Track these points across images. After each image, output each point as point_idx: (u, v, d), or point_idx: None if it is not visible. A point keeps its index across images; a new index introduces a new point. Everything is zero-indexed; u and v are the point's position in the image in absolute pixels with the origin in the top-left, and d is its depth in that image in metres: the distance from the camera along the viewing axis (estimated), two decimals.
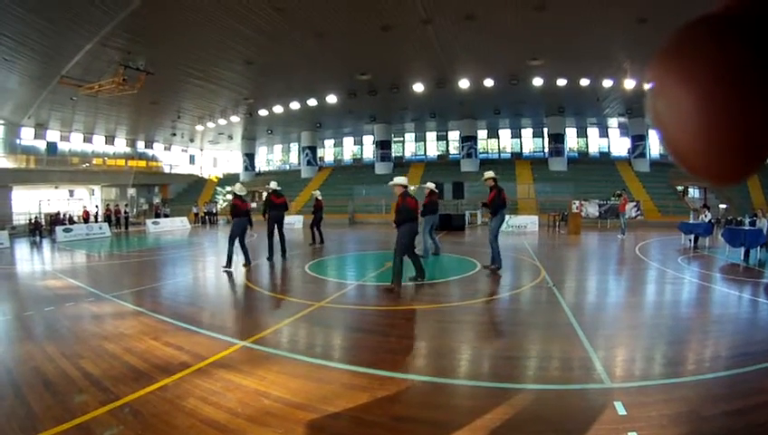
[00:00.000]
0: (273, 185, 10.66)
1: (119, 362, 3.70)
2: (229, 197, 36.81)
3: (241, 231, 8.85)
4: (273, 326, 4.78)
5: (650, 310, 5.75)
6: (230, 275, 8.28)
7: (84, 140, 32.69)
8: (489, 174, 8.21)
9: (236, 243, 8.79)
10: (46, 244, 16.74)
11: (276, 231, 10.27)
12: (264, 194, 32.53)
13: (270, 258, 9.97)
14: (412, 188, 6.89)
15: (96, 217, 24.58)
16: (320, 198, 14.18)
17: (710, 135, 0.36)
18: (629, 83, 21.95)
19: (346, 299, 6.16)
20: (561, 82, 22.33)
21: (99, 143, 33.77)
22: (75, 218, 24.00)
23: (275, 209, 10.31)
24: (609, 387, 3.16)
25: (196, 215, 29.47)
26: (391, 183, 6.99)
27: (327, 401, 2.97)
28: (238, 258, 8.83)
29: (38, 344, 4.18)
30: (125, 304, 5.83)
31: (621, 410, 2.77)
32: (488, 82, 22.80)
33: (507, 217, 19.68)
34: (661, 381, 3.26)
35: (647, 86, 0.40)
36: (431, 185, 10.34)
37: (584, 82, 22.22)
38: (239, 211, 8.90)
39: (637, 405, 2.85)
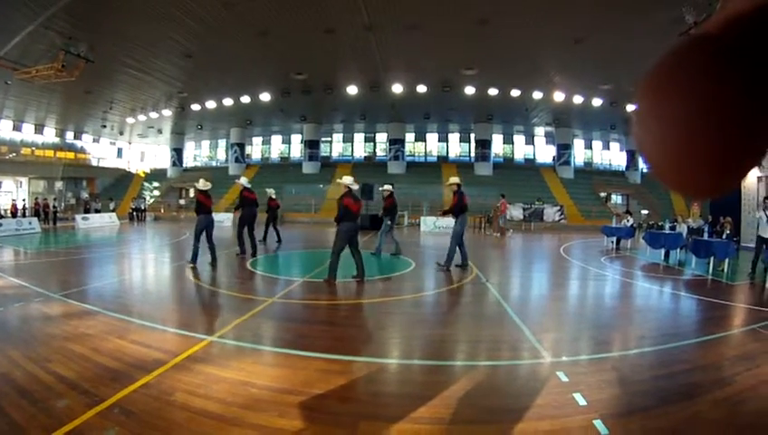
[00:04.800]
0: (244, 181, 10.47)
1: (90, 363, 3.58)
2: (156, 193, 35.25)
3: (205, 227, 8.41)
4: (234, 322, 4.88)
5: (580, 301, 6.71)
6: (195, 270, 8.10)
7: (14, 128, 30.17)
8: (454, 180, 8.83)
9: (203, 239, 8.45)
10: None
11: (240, 229, 10.09)
12: (192, 191, 31.42)
13: (254, 254, 9.92)
14: (356, 187, 7.32)
15: (24, 211, 22.69)
16: (273, 196, 13.41)
17: (688, 159, 0.36)
18: (558, 96, 23.62)
19: (296, 294, 6.45)
20: (493, 91, 23.64)
21: (28, 132, 31.30)
22: (2, 212, 21.96)
23: (250, 206, 10.12)
24: (550, 362, 3.77)
25: (113, 211, 26.82)
26: (338, 181, 7.42)
27: (309, 384, 3.23)
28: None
29: None
30: (77, 303, 5.59)
31: (564, 378, 3.36)
32: (421, 88, 23.61)
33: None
34: (596, 356, 3.97)
35: (632, 108, 0.41)
36: (389, 187, 10.57)
37: (515, 92, 23.63)
38: (204, 208, 8.47)
39: (577, 374, 3.47)
